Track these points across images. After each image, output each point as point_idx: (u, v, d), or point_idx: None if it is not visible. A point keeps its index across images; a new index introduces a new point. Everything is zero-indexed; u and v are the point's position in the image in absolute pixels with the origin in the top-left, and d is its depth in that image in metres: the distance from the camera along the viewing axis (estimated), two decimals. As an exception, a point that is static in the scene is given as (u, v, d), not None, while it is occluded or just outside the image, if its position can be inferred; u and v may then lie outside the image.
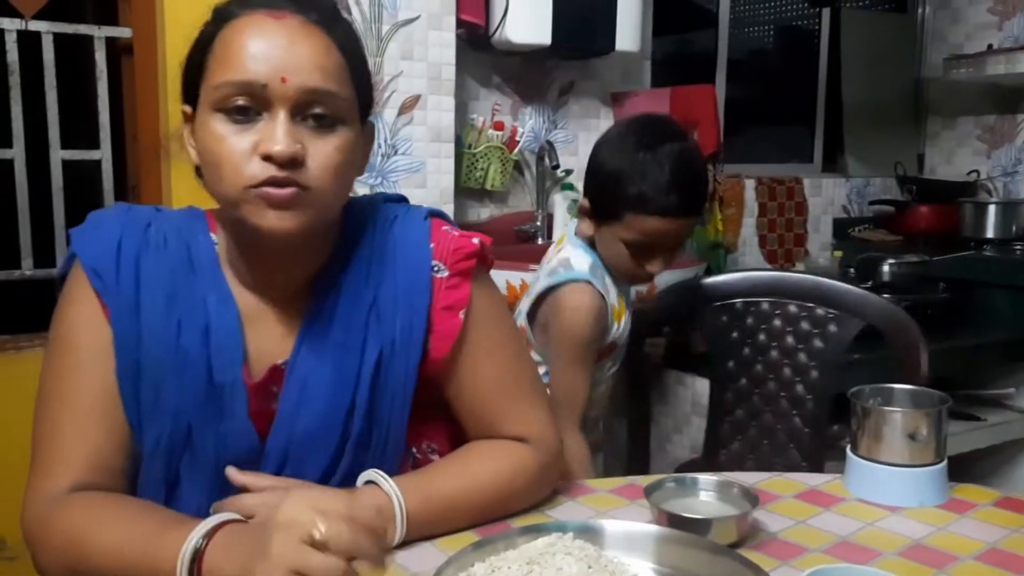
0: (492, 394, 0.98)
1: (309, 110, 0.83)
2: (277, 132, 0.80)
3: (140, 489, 0.89)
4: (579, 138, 2.56)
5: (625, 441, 1.80)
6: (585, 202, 1.47)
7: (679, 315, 1.83)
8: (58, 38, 1.91)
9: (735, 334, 1.72)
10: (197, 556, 0.74)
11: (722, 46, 3.04)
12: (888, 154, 3.28)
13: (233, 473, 0.88)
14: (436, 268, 0.95)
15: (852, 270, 2.58)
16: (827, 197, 3.14)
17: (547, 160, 2.40)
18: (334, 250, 0.93)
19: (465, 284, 0.95)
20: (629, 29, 2.30)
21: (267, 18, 0.83)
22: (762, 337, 1.70)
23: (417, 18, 2.02)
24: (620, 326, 1.53)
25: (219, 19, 0.85)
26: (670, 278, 1.86)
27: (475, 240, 0.97)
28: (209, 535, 0.75)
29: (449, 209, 2.12)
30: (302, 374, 0.90)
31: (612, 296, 1.49)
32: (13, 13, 1.86)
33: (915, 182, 3.19)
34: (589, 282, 1.44)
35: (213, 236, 0.94)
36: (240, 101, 0.81)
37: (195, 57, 0.87)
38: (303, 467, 0.91)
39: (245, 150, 0.81)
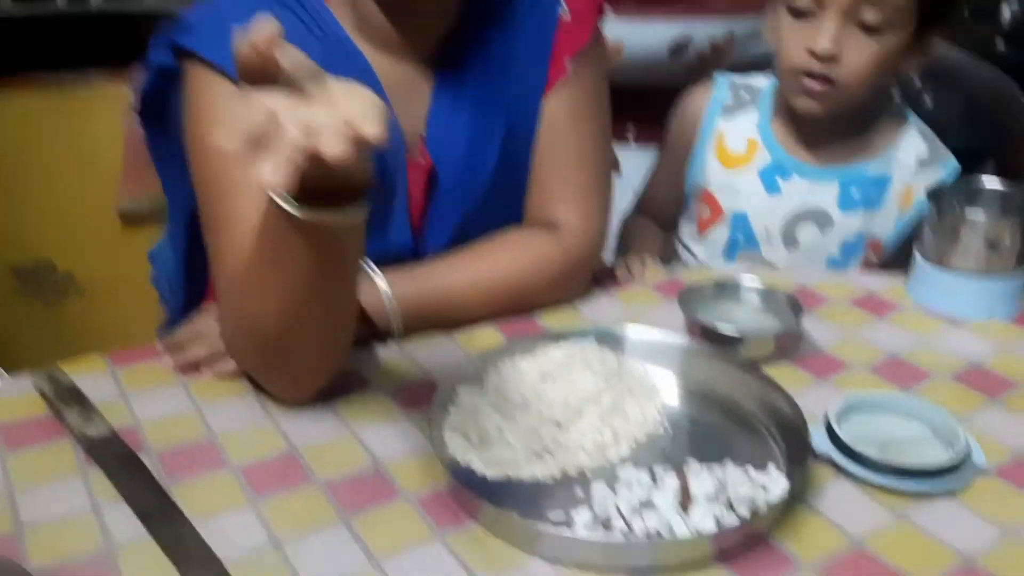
0: (552, 161, 0.94)
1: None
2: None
3: None
4: None
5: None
6: None
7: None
8: None
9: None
10: None
11: None
12: None
13: None
14: (562, 9, 0.93)
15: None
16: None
17: None
18: (463, 9, 0.90)
19: (585, 32, 0.93)
20: None
21: None
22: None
23: None
24: None
25: None
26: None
27: None
28: None
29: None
30: (441, 128, 0.89)
31: None
32: None
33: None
34: None
35: (329, 7, 0.87)
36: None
37: None
38: (447, 213, 0.92)
39: None
